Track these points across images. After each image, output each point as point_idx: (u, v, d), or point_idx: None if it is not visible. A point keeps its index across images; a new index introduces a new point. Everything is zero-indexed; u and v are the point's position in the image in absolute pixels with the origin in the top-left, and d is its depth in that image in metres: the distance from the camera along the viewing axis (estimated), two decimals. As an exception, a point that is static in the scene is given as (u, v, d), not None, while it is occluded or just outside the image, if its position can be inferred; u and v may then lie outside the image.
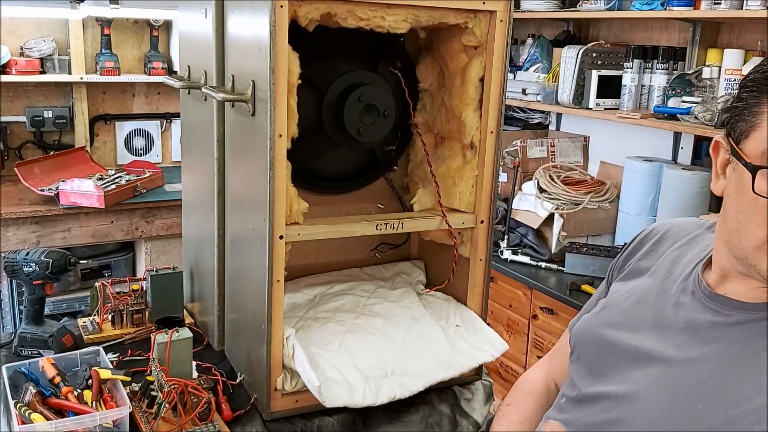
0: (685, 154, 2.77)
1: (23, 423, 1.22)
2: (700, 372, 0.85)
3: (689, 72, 2.66)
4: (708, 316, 0.89)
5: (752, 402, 0.79)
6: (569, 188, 2.89)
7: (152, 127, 3.67)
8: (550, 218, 2.83)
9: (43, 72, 3.28)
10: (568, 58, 2.92)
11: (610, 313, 1.03)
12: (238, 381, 1.48)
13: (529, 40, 3.41)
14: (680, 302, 0.93)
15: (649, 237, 1.13)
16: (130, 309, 1.72)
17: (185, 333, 1.40)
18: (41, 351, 1.57)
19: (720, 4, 2.39)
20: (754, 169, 0.80)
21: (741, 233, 0.83)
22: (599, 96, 2.85)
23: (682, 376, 0.86)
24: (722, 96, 2.44)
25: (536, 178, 2.97)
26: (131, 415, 1.30)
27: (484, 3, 1.40)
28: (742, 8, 2.33)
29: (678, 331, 0.90)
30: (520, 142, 3.16)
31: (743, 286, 0.88)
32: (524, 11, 3.23)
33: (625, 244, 1.17)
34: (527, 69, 3.30)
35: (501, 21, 1.42)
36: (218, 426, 1.31)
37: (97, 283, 1.77)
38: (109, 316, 1.72)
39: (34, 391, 1.29)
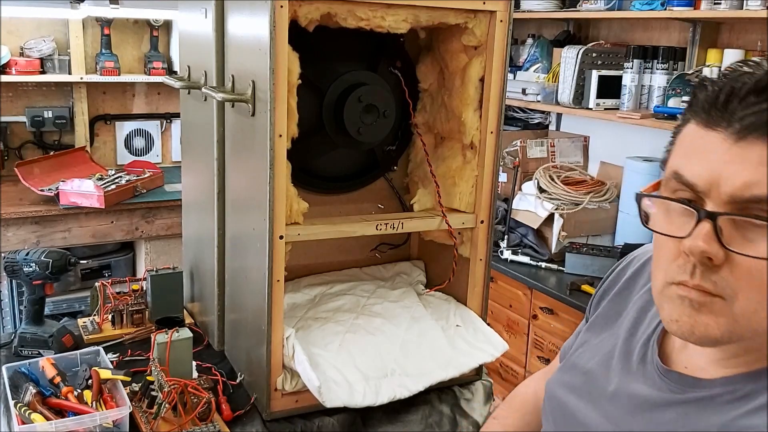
0: (685, 154, 2.77)
1: (23, 423, 1.22)
2: None
3: (689, 72, 2.66)
4: (662, 394, 0.78)
5: None
6: (569, 188, 2.89)
7: (152, 127, 3.67)
8: (550, 218, 2.83)
9: (43, 72, 3.28)
10: (568, 58, 2.92)
11: (574, 376, 0.94)
12: (238, 381, 1.48)
13: (529, 40, 3.41)
14: (638, 374, 0.84)
15: (626, 270, 0.99)
16: (130, 309, 1.72)
17: (185, 333, 1.40)
18: (41, 351, 1.57)
19: (720, 4, 2.39)
20: (638, 198, 0.72)
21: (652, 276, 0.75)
22: (599, 96, 2.85)
23: None
24: (722, 96, 2.44)
25: (536, 178, 2.97)
26: (131, 415, 1.30)
27: (484, 3, 1.40)
28: (742, 8, 2.33)
29: (632, 410, 0.81)
30: (520, 142, 3.16)
31: (704, 358, 0.76)
32: (524, 11, 3.23)
33: (606, 274, 1.04)
34: (527, 69, 3.30)
35: (501, 21, 1.42)
36: (218, 426, 1.31)
37: (97, 283, 1.77)
38: (109, 316, 1.72)
39: (34, 391, 1.29)
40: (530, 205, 2.90)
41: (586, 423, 0.86)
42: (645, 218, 0.74)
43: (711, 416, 0.71)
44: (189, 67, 1.69)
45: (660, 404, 0.78)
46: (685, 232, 0.67)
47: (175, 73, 3.51)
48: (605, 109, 2.86)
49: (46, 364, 1.38)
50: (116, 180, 3.11)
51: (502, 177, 3.08)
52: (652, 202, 0.73)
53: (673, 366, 0.80)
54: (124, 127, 3.61)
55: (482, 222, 1.53)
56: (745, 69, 0.68)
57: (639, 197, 0.73)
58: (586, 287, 2.52)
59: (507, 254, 2.87)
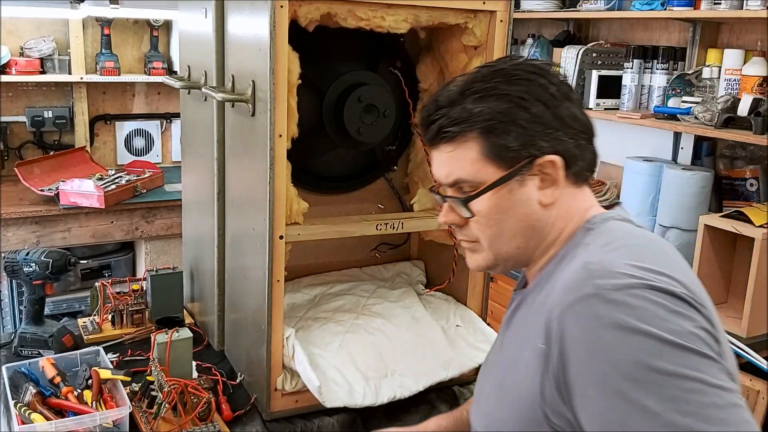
0: (685, 154, 2.77)
1: (23, 423, 1.22)
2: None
3: (689, 72, 2.66)
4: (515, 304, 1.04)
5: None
6: (569, 188, 2.89)
7: (152, 127, 3.67)
8: (550, 218, 2.82)
9: (43, 72, 3.28)
10: (568, 58, 2.92)
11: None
12: (238, 381, 1.48)
13: (529, 40, 3.41)
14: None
15: None
16: (130, 309, 1.72)
17: (185, 333, 1.40)
18: (41, 351, 1.57)
19: (720, 4, 2.39)
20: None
21: None
22: (599, 96, 2.85)
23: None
24: (722, 96, 2.44)
25: (536, 178, 2.96)
26: (131, 415, 1.30)
27: (484, 3, 1.40)
28: (742, 8, 2.33)
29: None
30: (520, 142, 3.15)
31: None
32: (524, 11, 3.23)
33: None
34: (527, 69, 3.29)
35: (501, 21, 1.42)
36: (218, 426, 1.31)
37: (97, 283, 1.77)
38: (109, 316, 1.72)
39: (34, 391, 1.29)
40: (530, 205, 2.90)
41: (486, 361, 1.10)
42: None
43: (530, 305, 0.95)
44: (189, 67, 1.69)
45: (514, 309, 1.02)
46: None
47: (175, 73, 3.51)
48: (605, 109, 2.86)
49: (46, 364, 1.38)
50: (116, 180, 3.11)
51: (502, 177, 3.08)
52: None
53: None
54: (124, 127, 3.61)
55: (482, 222, 1.53)
56: (449, 86, 0.95)
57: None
58: (586, 287, 2.52)
59: (507, 254, 2.87)
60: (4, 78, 3.15)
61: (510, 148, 0.89)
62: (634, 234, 0.91)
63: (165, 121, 3.69)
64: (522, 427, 0.87)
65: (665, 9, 2.60)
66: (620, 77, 2.81)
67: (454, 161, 0.92)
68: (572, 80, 2.90)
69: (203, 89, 1.46)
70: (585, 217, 0.95)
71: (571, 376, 0.77)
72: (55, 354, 1.49)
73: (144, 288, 1.74)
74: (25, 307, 1.63)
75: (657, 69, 2.74)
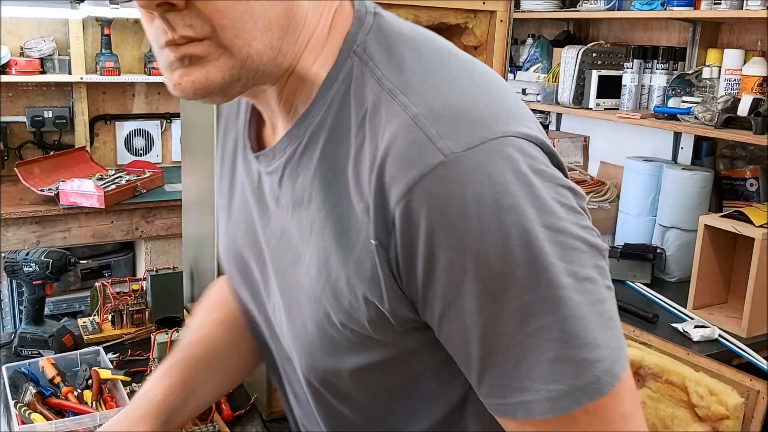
0: (685, 154, 2.77)
1: (23, 423, 1.22)
2: None
3: (689, 72, 2.66)
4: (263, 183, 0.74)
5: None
6: (569, 188, 2.89)
7: (152, 127, 3.67)
8: (550, 218, 2.83)
9: (43, 72, 3.28)
10: (568, 58, 2.92)
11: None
12: (238, 381, 1.48)
13: (529, 40, 3.41)
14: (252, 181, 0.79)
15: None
16: (130, 309, 1.72)
17: (185, 333, 1.40)
18: (41, 351, 1.57)
19: (720, 4, 2.39)
20: None
21: None
22: (599, 96, 2.85)
23: None
24: (722, 96, 2.44)
25: (536, 178, 2.97)
26: (131, 415, 1.30)
27: (484, 3, 1.41)
28: (742, 8, 2.33)
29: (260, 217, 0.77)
30: (520, 142, 3.15)
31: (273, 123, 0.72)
32: (524, 11, 3.23)
33: None
34: (527, 69, 3.30)
35: (501, 21, 1.43)
36: (218, 426, 1.31)
37: (97, 283, 1.77)
38: (109, 316, 1.72)
39: (34, 391, 1.29)
40: (530, 205, 2.90)
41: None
42: None
43: (317, 177, 0.64)
44: (189, 67, 1.68)
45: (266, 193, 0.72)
46: None
47: (175, 73, 3.50)
48: (605, 109, 2.86)
49: (46, 364, 1.38)
50: (116, 180, 3.11)
51: (502, 177, 3.08)
52: None
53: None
54: (124, 127, 3.61)
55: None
56: None
57: None
58: (586, 287, 2.52)
59: (507, 254, 2.87)
60: (4, 78, 3.15)
61: None
62: (430, 40, 0.67)
63: (165, 121, 3.69)
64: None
65: (665, 9, 2.60)
66: (620, 77, 2.81)
67: None
68: (572, 80, 2.90)
69: (203, 89, 1.45)
70: (343, 10, 0.66)
71: (427, 277, 0.57)
72: (55, 354, 1.49)
73: (144, 288, 1.74)
74: (25, 307, 1.63)
75: (657, 69, 2.74)
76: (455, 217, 0.54)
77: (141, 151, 3.67)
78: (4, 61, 3.16)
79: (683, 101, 2.58)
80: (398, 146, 0.56)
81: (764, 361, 1.93)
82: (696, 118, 2.45)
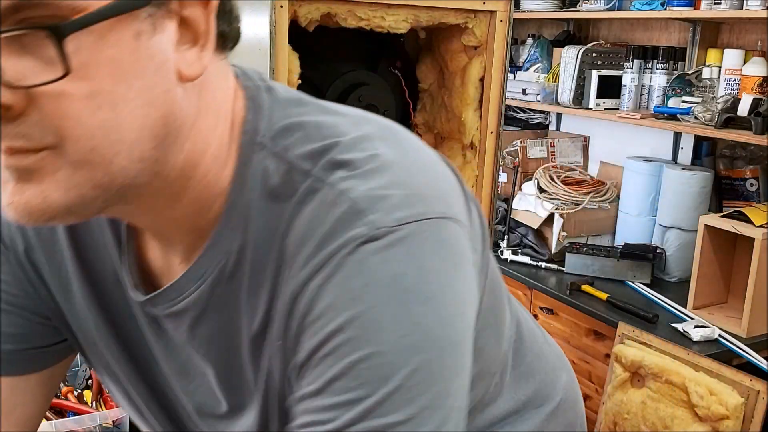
0: (685, 154, 2.77)
1: (23, 423, 1.21)
2: None
3: (689, 72, 2.66)
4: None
5: None
6: (569, 188, 2.89)
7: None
8: (550, 218, 2.83)
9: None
10: (568, 58, 2.92)
11: None
12: (238, 381, 1.48)
13: (529, 40, 3.41)
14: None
15: None
16: (130, 309, 1.71)
17: (185, 333, 1.40)
18: (41, 351, 1.57)
19: (720, 4, 2.39)
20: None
21: None
22: (599, 96, 2.85)
23: None
24: (722, 96, 2.44)
25: (536, 178, 2.97)
26: (131, 415, 1.30)
27: (484, 3, 1.41)
28: (742, 8, 2.33)
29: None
30: (520, 142, 3.16)
31: (166, 253, 0.60)
32: (524, 11, 3.23)
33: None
34: (527, 69, 3.30)
35: (501, 21, 1.43)
36: None
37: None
38: (109, 316, 1.72)
39: (34, 391, 1.29)
40: (530, 205, 2.90)
41: None
42: None
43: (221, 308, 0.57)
44: (189, 67, 1.69)
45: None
46: None
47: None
48: (605, 109, 2.86)
49: (46, 364, 1.38)
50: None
51: (502, 177, 3.08)
52: None
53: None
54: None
55: (482, 222, 1.53)
56: None
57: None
58: (586, 287, 2.52)
59: (507, 254, 2.87)
60: (4, 78, 3.15)
61: None
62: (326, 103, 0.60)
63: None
64: None
65: (665, 9, 2.60)
66: (620, 77, 2.81)
67: None
68: (572, 80, 2.91)
69: (203, 89, 1.45)
70: (236, 95, 0.56)
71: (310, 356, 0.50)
72: (55, 354, 1.49)
73: (144, 288, 1.74)
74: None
75: (657, 69, 2.74)
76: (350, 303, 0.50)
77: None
78: (4, 61, 3.16)
79: (683, 101, 2.58)
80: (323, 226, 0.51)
81: (764, 361, 1.94)
82: (696, 118, 2.45)
